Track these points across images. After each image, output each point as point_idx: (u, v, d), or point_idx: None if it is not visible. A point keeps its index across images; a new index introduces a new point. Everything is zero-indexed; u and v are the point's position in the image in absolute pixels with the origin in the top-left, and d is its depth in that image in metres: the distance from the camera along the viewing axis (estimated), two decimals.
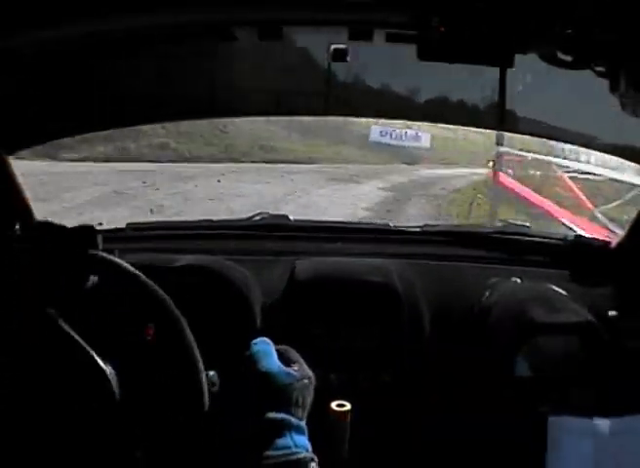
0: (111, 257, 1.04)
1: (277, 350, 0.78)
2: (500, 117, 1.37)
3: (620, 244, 1.35)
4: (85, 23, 0.94)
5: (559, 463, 0.82)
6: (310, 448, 0.73)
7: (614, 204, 6.48)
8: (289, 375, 0.74)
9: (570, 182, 7.42)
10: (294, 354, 0.79)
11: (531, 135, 1.70)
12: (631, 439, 0.80)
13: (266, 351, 0.76)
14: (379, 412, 1.17)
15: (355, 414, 0.81)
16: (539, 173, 8.70)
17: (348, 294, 1.25)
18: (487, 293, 1.27)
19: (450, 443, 1.19)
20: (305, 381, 0.75)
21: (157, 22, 0.97)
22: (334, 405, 0.79)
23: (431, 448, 1.20)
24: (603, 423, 0.82)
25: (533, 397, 1.10)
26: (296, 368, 0.76)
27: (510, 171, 8.09)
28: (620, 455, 0.80)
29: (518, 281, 1.29)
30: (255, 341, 0.78)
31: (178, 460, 0.95)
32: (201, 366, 0.98)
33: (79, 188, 7.77)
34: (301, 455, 0.70)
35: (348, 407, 0.79)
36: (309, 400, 0.75)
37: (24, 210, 1.35)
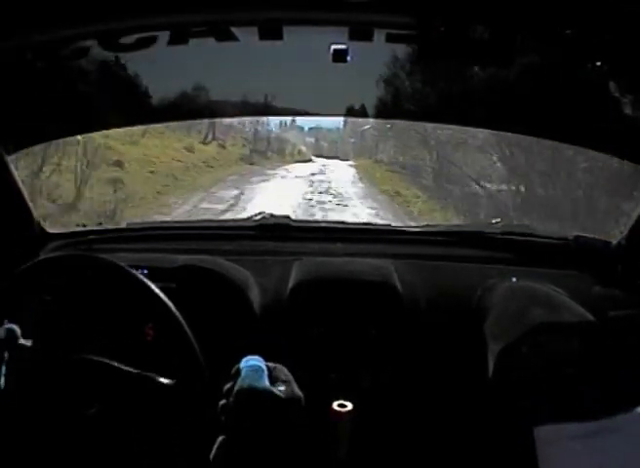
0: (111, 259, 1.04)
1: (267, 367, 0.75)
2: None
3: (619, 244, 1.35)
4: (85, 24, 0.95)
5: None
6: None
7: None
8: (273, 395, 0.70)
9: None
10: (284, 373, 0.75)
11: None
12: (612, 438, 0.81)
13: (256, 368, 0.73)
14: (379, 412, 1.17)
15: (356, 414, 0.81)
16: None
17: (348, 295, 1.25)
18: (487, 293, 1.27)
19: (450, 441, 1.19)
20: (292, 402, 0.71)
21: (158, 22, 0.97)
22: (335, 405, 0.79)
23: (432, 447, 1.20)
24: (586, 425, 0.83)
25: (533, 396, 1.10)
26: (283, 388, 0.72)
27: None
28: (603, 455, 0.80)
29: (514, 280, 1.29)
30: (247, 358, 0.75)
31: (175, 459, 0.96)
32: (201, 364, 0.99)
33: None
34: None
35: (350, 407, 0.79)
36: (298, 420, 0.72)
37: (24, 209, 1.36)
